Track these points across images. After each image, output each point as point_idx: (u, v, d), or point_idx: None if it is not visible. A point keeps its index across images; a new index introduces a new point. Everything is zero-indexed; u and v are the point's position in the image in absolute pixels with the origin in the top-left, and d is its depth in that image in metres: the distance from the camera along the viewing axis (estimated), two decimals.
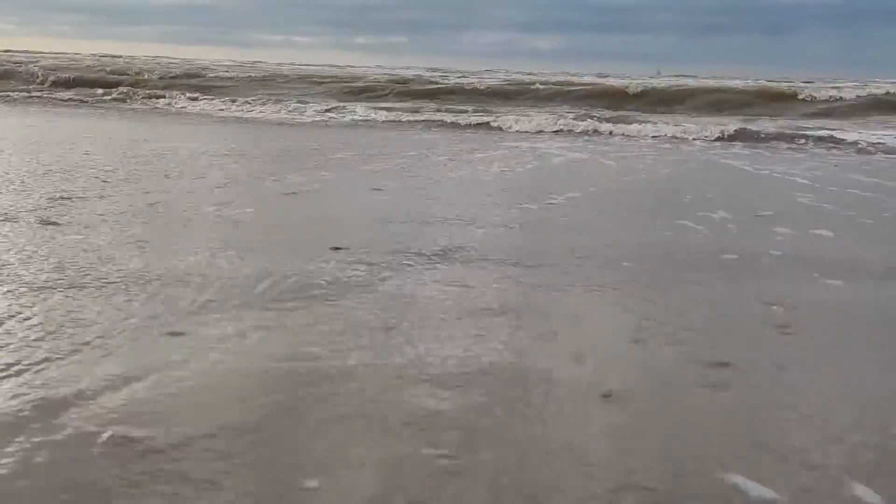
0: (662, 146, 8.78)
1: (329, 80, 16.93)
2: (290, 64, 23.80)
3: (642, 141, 9.36)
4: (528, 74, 19.61)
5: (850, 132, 10.03)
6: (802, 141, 9.42)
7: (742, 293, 2.66)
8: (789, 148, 8.91)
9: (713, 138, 9.52)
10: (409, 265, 2.79)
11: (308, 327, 2.12)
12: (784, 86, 14.67)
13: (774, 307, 2.48)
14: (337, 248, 2.93)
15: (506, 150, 7.50)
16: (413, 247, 3.07)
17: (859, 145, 9.04)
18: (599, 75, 19.78)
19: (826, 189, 5.39)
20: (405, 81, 16.20)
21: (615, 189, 5.45)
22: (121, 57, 23.67)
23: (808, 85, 14.78)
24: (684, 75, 20.17)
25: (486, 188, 5.06)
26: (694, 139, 9.44)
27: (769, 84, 15.41)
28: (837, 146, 9.02)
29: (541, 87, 15.40)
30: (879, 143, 9.15)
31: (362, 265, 2.76)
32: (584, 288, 2.63)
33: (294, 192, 4.41)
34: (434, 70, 20.74)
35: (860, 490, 1.41)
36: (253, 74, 17.95)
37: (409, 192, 4.66)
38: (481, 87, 15.30)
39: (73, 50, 25.90)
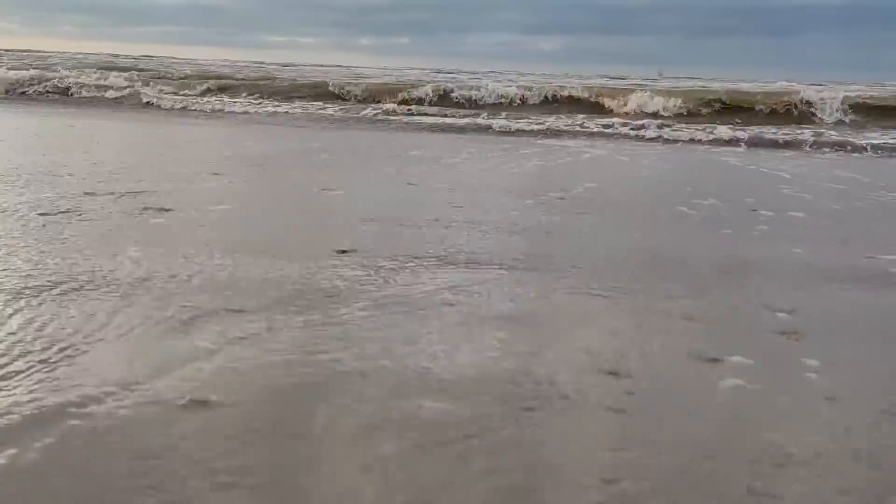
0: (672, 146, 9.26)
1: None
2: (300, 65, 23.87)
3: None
4: (530, 76, 19.88)
5: (844, 135, 10.56)
6: (797, 142, 9.94)
7: (727, 253, 3.20)
8: (784, 148, 9.45)
9: (714, 140, 10.06)
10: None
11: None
12: (782, 89, 14.86)
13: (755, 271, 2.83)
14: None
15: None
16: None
17: (848, 146, 9.55)
18: (602, 76, 20.05)
19: (806, 182, 6.17)
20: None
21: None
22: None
23: (814, 87, 14.92)
24: (689, 77, 20.36)
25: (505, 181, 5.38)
26: (698, 140, 10.01)
27: (769, 87, 15.63)
28: (833, 148, 9.54)
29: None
30: (868, 144, 9.64)
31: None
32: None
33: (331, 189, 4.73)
34: (439, 71, 20.94)
35: None
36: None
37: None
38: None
39: (75, 50, 25.99)
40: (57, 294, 2.43)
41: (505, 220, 4.00)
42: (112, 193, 4.24)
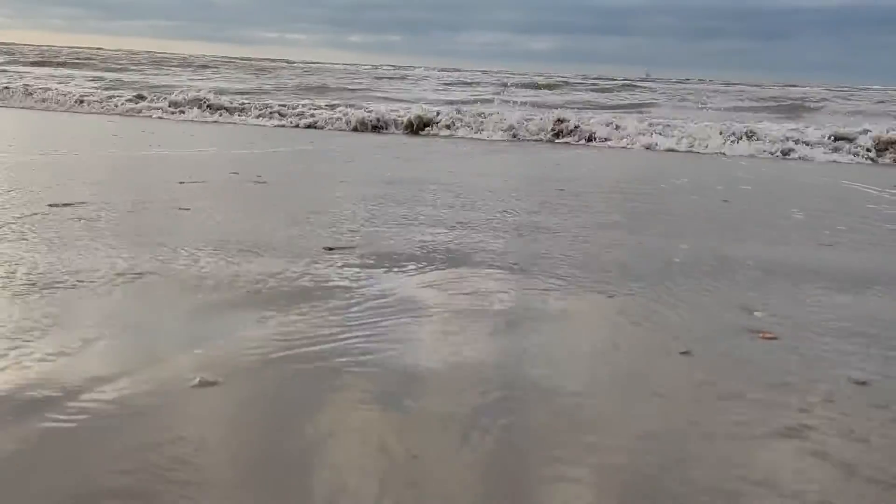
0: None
1: None
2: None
3: None
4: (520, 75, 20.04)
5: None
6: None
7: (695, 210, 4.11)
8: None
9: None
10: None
11: None
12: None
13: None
14: None
15: None
16: None
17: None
18: (585, 77, 20.42)
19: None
20: None
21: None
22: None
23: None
24: (685, 80, 20.59)
25: None
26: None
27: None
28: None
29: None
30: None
31: None
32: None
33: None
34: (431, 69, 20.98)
35: None
36: None
37: None
38: None
39: (68, 44, 26.54)
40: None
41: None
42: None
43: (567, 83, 21.94)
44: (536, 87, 20.56)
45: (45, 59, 25.03)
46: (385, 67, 21.72)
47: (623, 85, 22.80)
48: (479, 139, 11.58)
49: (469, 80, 22.54)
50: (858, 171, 9.13)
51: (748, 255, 3.57)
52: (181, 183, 4.96)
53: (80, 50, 28.82)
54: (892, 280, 3.30)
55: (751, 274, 3.21)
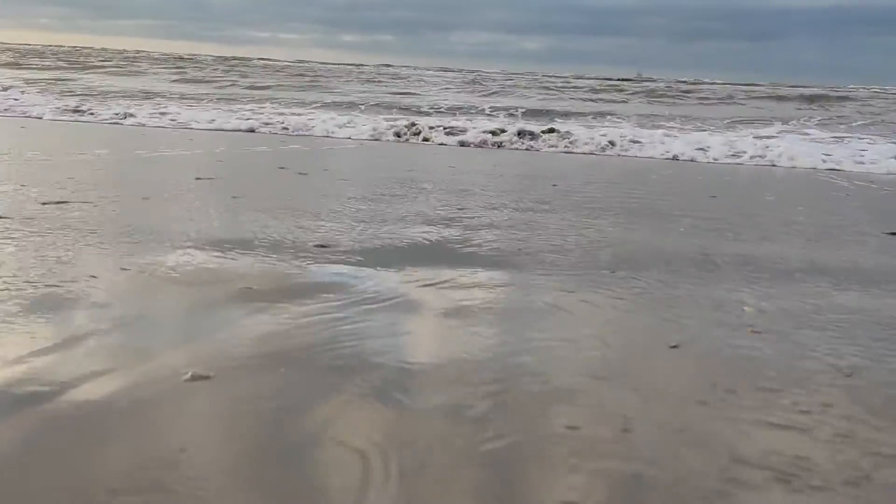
0: None
1: None
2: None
3: None
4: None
5: None
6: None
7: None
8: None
9: None
10: None
11: None
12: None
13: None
14: None
15: None
16: None
17: None
18: (576, 76, 20.41)
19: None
20: None
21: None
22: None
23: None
24: (680, 81, 20.39)
25: None
26: None
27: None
28: None
29: None
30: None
31: None
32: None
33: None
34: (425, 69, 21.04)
35: None
36: None
37: None
38: None
39: (57, 43, 26.47)
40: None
41: None
42: None
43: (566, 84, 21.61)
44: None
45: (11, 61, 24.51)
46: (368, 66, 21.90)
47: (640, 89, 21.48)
48: None
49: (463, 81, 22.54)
50: None
51: (737, 251, 3.60)
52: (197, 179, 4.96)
53: (67, 50, 28.63)
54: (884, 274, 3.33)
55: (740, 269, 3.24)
